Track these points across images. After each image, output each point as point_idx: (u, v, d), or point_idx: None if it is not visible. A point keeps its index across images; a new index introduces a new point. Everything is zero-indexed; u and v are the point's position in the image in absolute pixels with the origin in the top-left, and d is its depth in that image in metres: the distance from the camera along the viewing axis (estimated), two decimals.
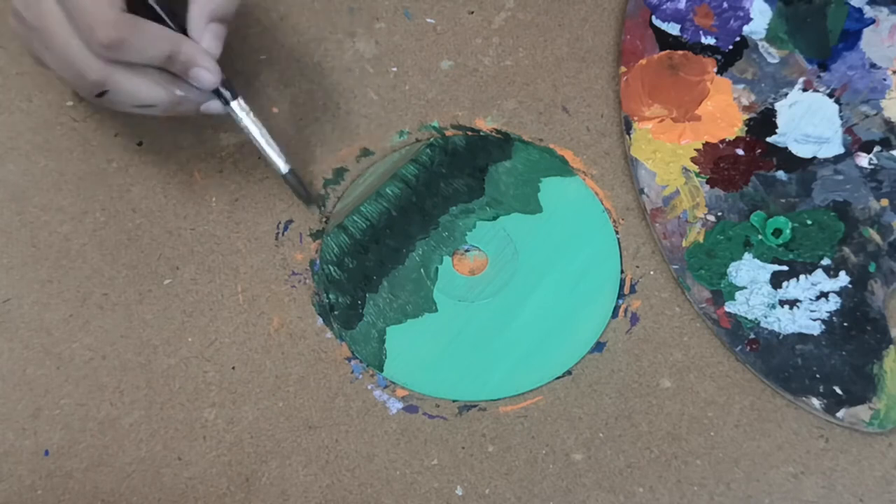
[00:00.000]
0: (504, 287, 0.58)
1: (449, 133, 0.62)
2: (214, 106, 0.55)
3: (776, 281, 0.58)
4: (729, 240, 0.59)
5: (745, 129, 0.61)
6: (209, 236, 0.59)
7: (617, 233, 0.60)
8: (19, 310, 0.58)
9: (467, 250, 0.59)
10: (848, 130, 0.61)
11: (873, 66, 0.62)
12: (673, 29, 0.63)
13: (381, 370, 0.57)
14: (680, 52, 0.63)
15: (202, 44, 0.54)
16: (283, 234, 0.60)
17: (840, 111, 0.61)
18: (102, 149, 0.61)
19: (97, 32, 0.50)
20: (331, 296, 0.58)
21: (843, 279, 0.57)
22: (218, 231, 0.59)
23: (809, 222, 0.58)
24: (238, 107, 0.56)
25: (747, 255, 0.58)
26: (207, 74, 0.53)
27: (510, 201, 0.60)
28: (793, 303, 0.57)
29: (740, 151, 0.60)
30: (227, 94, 0.55)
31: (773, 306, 0.57)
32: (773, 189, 0.59)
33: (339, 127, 0.62)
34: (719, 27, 0.63)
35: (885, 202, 0.59)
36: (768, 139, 0.61)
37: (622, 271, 0.59)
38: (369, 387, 0.57)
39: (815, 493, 0.54)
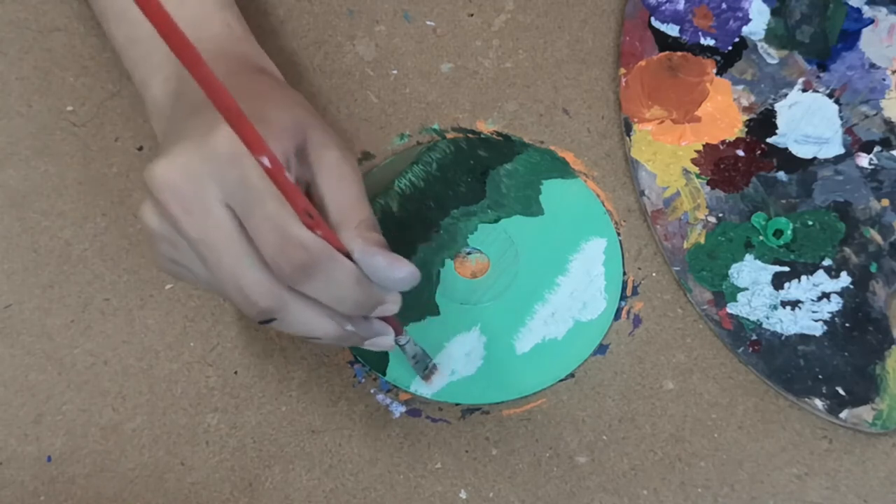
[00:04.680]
0: (506, 289, 0.58)
1: (450, 136, 0.62)
2: (380, 343, 0.50)
3: (778, 282, 0.58)
4: (730, 241, 0.59)
5: (745, 129, 0.61)
6: None
7: (618, 235, 0.60)
8: (20, 315, 0.58)
9: (469, 253, 0.59)
10: (848, 131, 0.61)
11: (872, 66, 0.62)
12: (672, 30, 0.63)
13: (384, 374, 0.57)
14: (679, 53, 0.63)
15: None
16: None
17: (840, 111, 0.61)
18: (103, 154, 0.61)
19: (290, 254, 0.43)
20: None
21: (845, 280, 0.57)
22: None
23: (810, 223, 0.58)
24: (410, 347, 0.55)
25: (748, 257, 0.58)
26: (394, 307, 0.48)
27: (511, 203, 0.60)
28: (794, 304, 0.57)
29: (741, 152, 0.60)
30: (403, 339, 0.53)
31: (775, 307, 0.57)
32: (774, 190, 0.59)
33: (339, 130, 0.62)
34: (718, 28, 0.63)
35: (885, 202, 0.59)
36: (768, 140, 0.61)
37: (624, 273, 0.59)
38: (372, 391, 0.57)
39: (819, 494, 0.54)
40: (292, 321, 0.46)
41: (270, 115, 0.45)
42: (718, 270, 0.58)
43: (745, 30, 0.63)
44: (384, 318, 0.50)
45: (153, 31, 0.54)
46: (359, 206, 0.47)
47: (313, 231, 0.44)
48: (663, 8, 0.63)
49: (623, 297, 0.58)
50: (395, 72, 0.63)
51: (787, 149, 0.60)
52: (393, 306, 0.48)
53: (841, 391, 0.55)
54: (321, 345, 0.49)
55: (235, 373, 0.57)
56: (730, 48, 0.63)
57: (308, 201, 0.43)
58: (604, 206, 0.60)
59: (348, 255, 0.45)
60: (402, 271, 0.46)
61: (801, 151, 0.60)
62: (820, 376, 0.56)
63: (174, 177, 0.43)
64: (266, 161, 0.41)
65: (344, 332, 0.47)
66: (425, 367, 0.56)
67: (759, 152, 0.60)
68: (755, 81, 0.62)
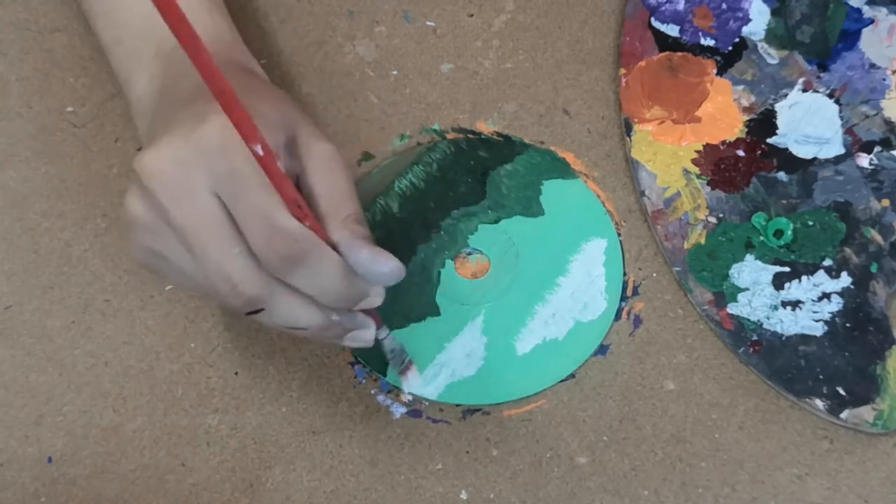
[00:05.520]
0: (507, 290, 0.58)
1: (450, 136, 0.62)
2: (362, 336, 0.50)
3: (778, 282, 0.58)
4: (730, 241, 0.59)
5: (746, 130, 0.61)
6: None
7: (619, 235, 0.60)
8: (21, 316, 0.58)
9: (469, 254, 0.59)
10: (848, 131, 0.61)
11: (873, 66, 0.62)
12: (672, 30, 0.63)
13: (385, 375, 0.57)
14: (679, 53, 0.63)
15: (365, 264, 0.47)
16: None
17: (840, 111, 0.61)
18: (103, 154, 0.61)
19: (277, 244, 0.43)
20: None
21: (845, 280, 0.57)
22: None
23: (811, 223, 0.58)
24: (388, 341, 0.55)
25: (749, 257, 0.58)
26: (378, 300, 0.49)
27: (512, 204, 0.60)
28: (795, 304, 0.57)
29: (741, 153, 0.60)
30: (382, 332, 0.53)
31: (776, 307, 0.57)
32: (774, 190, 0.59)
33: (339, 131, 0.62)
34: (718, 28, 0.63)
35: (885, 202, 0.59)
36: (769, 140, 0.61)
37: (625, 274, 0.59)
38: (373, 391, 0.57)
39: (820, 494, 0.54)
40: (279, 312, 0.46)
41: (260, 108, 0.45)
42: (719, 271, 0.58)
43: (746, 30, 0.63)
44: (366, 312, 0.51)
45: (138, 32, 0.53)
46: (347, 200, 0.47)
47: (301, 222, 0.44)
48: (663, 8, 0.63)
49: (623, 298, 0.58)
50: (395, 72, 0.63)
51: (787, 149, 0.60)
52: (376, 299, 0.49)
53: (841, 391, 0.55)
54: (306, 337, 0.49)
55: (236, 374, 0.57)
56: (730, 48, 0.63)
57: (297, 191, 0.44)
58: (604, 206, 0.60)
59: (335, 248, 0.46)
60: (387, 266, 0.47)
61: (802, 152, 0.60)
62: (820, 376, 0.56)
63: (163, 165, 0.44)
64: (258, 149, 0.41)
65: (328, 323, 0.47)
66: (401, 363, 0.56)
67: (759, 152, 0.60)
68: (755, 82, 0.62)
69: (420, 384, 0.56)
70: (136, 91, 0.53)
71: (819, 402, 0.55)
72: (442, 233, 0.59)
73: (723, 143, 0.61)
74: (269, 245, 0.43)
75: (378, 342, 0.53)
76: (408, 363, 0.56)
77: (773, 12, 0.63)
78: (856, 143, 0.60)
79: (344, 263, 0.46)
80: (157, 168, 0.44)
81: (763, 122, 0.61)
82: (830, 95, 0.61)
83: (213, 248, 0.44)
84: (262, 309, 0.46)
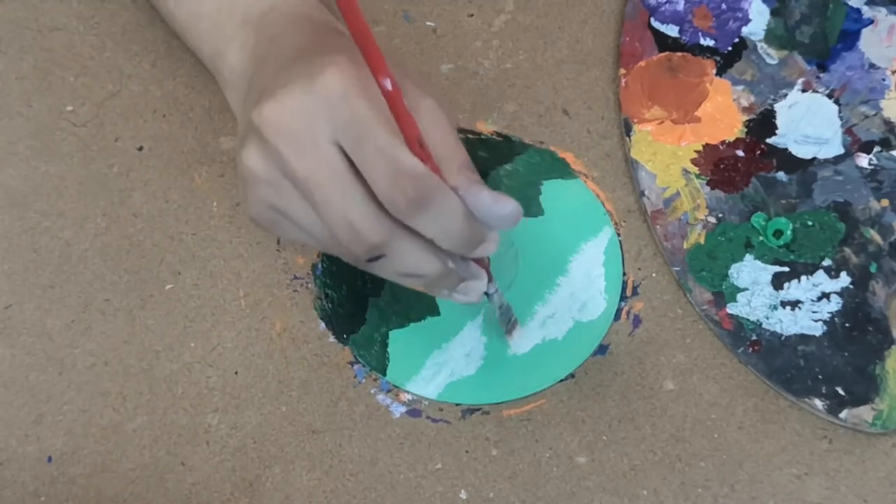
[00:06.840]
0: (506, 290, 0.58)
1: None
2: (475, 287, 0.50)
3: (777, 282, 0.58)
4: (730, 241, 0.59)
5: (745, 130, 0.61)
6: (211, 241, 0.59)
7: (618, 235, 0.60)
8: (21, 315, 0.58)
9: None
10: (848, 131, 0.61)
11: (872, 66, 0.62)
12: (672, 31, 0.63)
13: (384, 374, 0.57)
14: (679, 53, 0.63)
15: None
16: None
17: (839, 112, 0.61)
18: (103, 154, 0.61)
19: (404, 184, 0.43)
20: (333, 299, 0.58)
21: (845, 280, 0.58)
22: (219, 236, 0.59)
23: (810, 223, 0.59)
24: (497, 297, 0.55)
25: (748, 257, 0.58)
26: (493, 246, 0.48)
27: None
28: (794, 304, 0.57)
29: (740, 153, 0.60)
30: (492, 287, 0.53)
31: (775, 307, 0.57)
32: (774, 190, 0.59)
33: None
34: (718, 28, 0.63)
35: (885, 202, 0.59)
36: (768, 140, 0.61)
37: (624, 273, 0.59)
38: (372, 391, 0.57)
39: (819, 494, 0.54)
40: (400, 257, 0.46)
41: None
42: (718, 271, 0.58)
43: (745, 30, 0.63)
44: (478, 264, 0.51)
45: (220, 4, 0.53)
46: (457, 149, 0.47)
47: (424, 163, 0.44)
48: (663, 8, 0.63)
49: (623, 298, 0.58)
50: None
51: (786, 149, 0.60)
52: (492, 245, 0.48)
53: (841, 391, 0.55)
54: (420, 287, 0.50)
55: (236, 373, 0.57)
56: (729, 49, 0.63)
57: (420, 130, 0.44)
58: (604, 206, 0.60)
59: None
60: (507, 207, 0.46)
61: (801, 152, 0.60)
62: (820, 376, 0.56)
63: (285, 117, 0.44)
64: (388, 84, 0.41)
65: (446, 270, 0.48)
66: (509, 321, 0.56)
67: (758, 153, 0.60)
68: (755, 82, 0.62)
69: (524, 342, 0.57)
70: (227, 61, 0.53)
71: (818, 402, 0.55)
72: None
73: (722, 143, 0.61)
74: (395, 186, 0.43)
75: (488, 297, 0.53)
76: (514, 321, 0.57)
77: (773, 12, 0.63)
78: (855, 144, 0.60)
79: (465, 206, 0.46)
80: (279, 120, 0.44)
81: (762, 123, 0.61)
82: (830, 96, 0.61)
83: (336, 195, 0.44)
84: (383, 255, 0.46)
